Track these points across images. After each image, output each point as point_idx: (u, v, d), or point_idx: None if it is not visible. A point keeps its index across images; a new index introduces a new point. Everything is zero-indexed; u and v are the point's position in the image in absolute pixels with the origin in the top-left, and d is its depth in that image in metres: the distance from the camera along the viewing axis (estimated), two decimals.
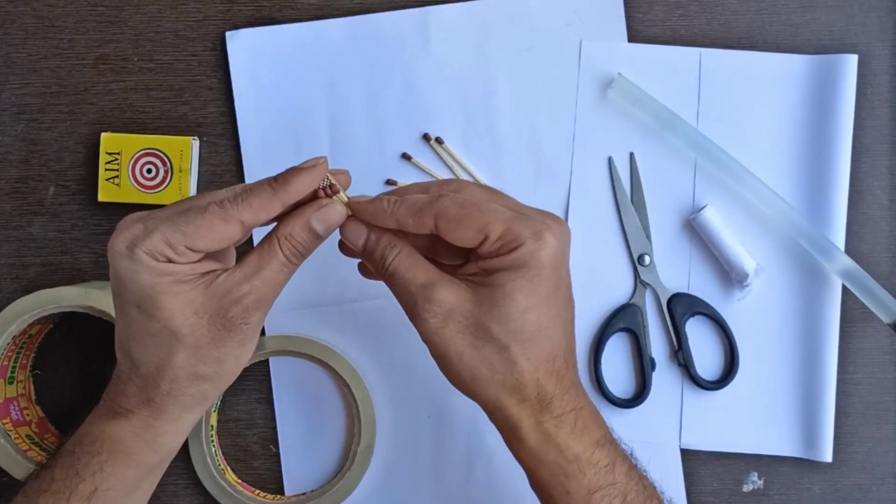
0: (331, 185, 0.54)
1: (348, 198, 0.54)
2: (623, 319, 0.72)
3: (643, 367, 0.72)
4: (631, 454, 0.56)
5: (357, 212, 0.54)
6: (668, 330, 0.72)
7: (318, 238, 0.53)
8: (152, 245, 0.50)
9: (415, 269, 0.53)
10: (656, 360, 0.72)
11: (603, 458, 0.53)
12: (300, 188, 0.52)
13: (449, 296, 0.51)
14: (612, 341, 0.72)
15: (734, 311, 0.72)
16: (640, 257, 0.72)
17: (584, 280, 0.71)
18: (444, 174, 0.73)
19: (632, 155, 0.73)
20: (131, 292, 0.51)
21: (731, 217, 0.72)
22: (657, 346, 0.72)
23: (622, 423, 0.69)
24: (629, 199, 0.72)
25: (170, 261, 0.50)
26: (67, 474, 0.52)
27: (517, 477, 0.60)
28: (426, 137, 0.73)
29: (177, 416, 0.53)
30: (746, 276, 0.70)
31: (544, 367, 0.52)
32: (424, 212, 0.52)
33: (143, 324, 0.51)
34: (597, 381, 0.72)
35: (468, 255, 0.55)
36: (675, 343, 0.72)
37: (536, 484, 0.54)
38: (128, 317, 0.52)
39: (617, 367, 0.73)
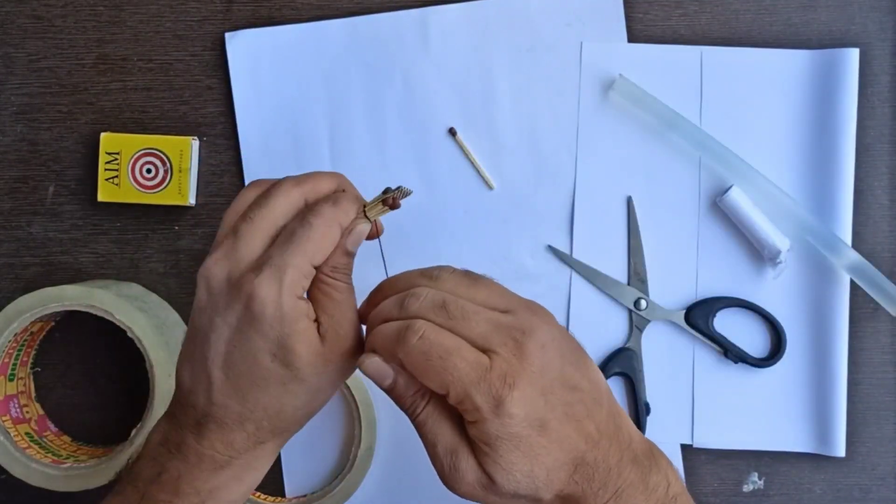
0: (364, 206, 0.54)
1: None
2: (618, 364, 0.72)
3: (637, 412, 0.72)
4: None
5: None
6: (705, 342, 0.72)
7: (353, 255, 0.54)
8: (292, 283, 0.49)
9: (441, 427, 0.49)
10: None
11: None
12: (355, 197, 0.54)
13: (469, 471, 0.48)
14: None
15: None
16: (637, 302, 0.72)
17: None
18: (447, 173, 0.72)
19: (629, 199, 0.73)
20: (269, 340, 0.50)
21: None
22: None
23: None
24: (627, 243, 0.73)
25: (303, 294, 0.51)
26: None
27: None
28: (451, 132, 0.73)
29: (274, 451, 0.54)
30: (779, 252, 0.70)
31: (568, 481, 0.49)
32: (394, 350, 0.49)
33: (274, 371, 0.50)
34: None
35: None
36: (719, 348, 0.72)
37: None
38: (256, 364, 0.50)
39: None
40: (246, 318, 0.50)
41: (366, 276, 0.55)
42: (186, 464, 0.51)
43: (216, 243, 0.52)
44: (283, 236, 0.51)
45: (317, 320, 0.52)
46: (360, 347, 0.53)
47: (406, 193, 0.54)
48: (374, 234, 0.55)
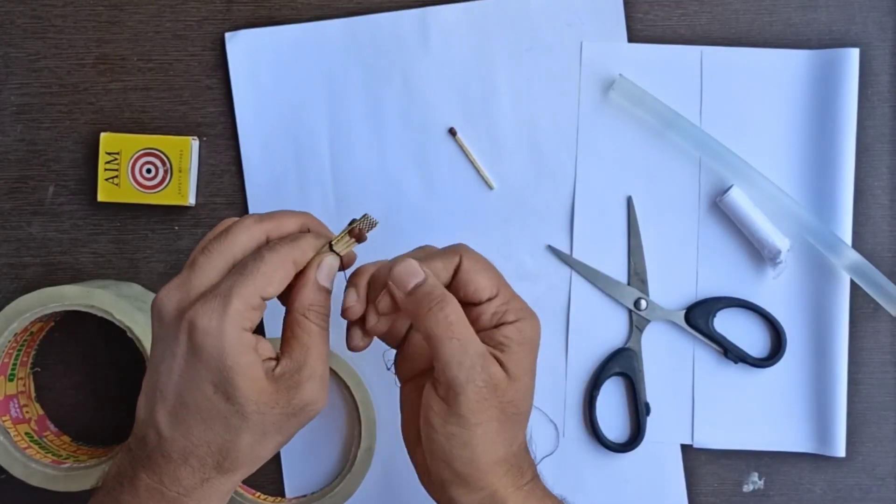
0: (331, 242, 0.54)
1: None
2: (618, 364, 0.72)
3: (637, 412, 0.72)
4: None
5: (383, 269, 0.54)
6: (705, 342, 0.72)
7: (329, 294, 0.54)
8: (236, 314, 0.49)
9: (471, 330, 0.52)
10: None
11: None
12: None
13: (497, 371, 0.51)
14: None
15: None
16: (637, 302, 0.72)
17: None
18: (447, 173, 0.72)
19: (629, 199, 0.73)
20: (211, 371, 0.49)
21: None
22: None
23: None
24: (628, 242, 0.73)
25: (251, 327, 0.50)
26: None
27: None
28: (451, 132, 0.73)
29: (226, 493, 0.53)
30: (779, 252, 0.70)
31: (524, 437, 0.55)
32: (451, 250, 0.54)
33: (216, 404, 0.49)
34: (591, 425, 0.72)
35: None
36: (719, 348, 0.72)
37: None
38: (198, 394, 0.50)
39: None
40: (189, 348, 0.49)
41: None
42: (137, 498, 0.50)
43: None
44: (236, 269, 0.50)
45: (277, 360, 0.51)
46: (319, 399, 0.52)
47: (372, 224, 0.54)
48: (344, 266, 0.55)
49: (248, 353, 0.49)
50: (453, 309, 0.51)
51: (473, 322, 0.52)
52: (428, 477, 0.54)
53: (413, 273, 0.52)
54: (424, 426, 0.52)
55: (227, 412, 0.50)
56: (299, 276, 0.53)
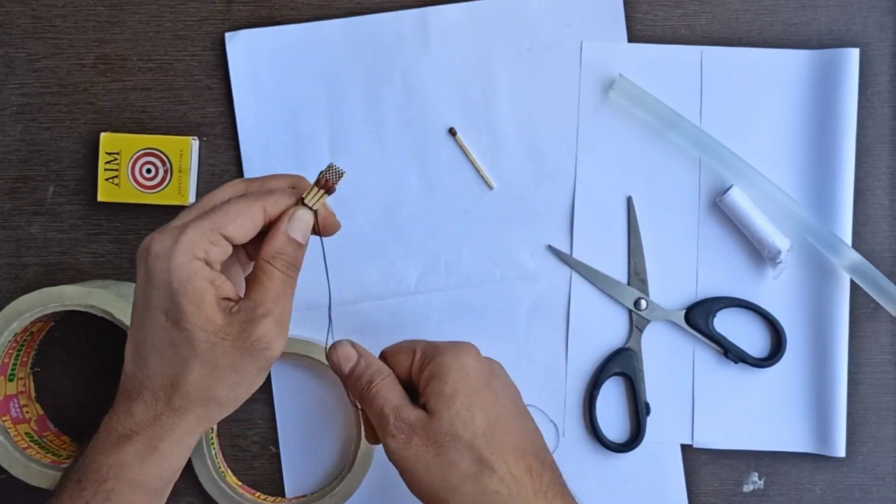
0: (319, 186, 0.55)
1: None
2: (618, 364, 0.72)
3: (637, 412, 0.72)
4: None
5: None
6: (705, 342, 0.72)
7: (300, 247, 0.54)
8: (188, 241, 0.50)
9: (393, 391, 0.57)
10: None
11: None
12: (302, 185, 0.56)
13: (411, 413, 0.56)
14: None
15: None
16: (637, 302, 0.72)
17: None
18: (447, 173, 0.73)
19: (629, 199, 0.73)
20: (161, 296, 0.50)
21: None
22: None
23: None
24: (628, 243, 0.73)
25: (206, 258, 0.51)
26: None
27: None
28: (451, 132, 0.73)
29: (179, 437, 0.53)
30: (779, 252, 0.70)
31: (513, 459, 0.55)
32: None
33: (167, 331, 0.51)
34: (591, 425, 0.72)
35: None
36: (719, 348, 0.72)
37: None
38: (152, 323, 0.51)
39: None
40: (145, 275, 0.51)
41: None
42: (96, 440, 0.53)
43: None
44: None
45: (238, 301, 0.52)
46: (273, 339, 0.52)
47: (338, 174, 0.54)
48: (328, 231, 0.56)
49: (198, 279, 0.50)
50: (380, 381, 0.58)
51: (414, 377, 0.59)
52: None
53: (347, 357, 0.59)
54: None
55: (177, 340, 0.50)
56: (271, 228, 0.54)
